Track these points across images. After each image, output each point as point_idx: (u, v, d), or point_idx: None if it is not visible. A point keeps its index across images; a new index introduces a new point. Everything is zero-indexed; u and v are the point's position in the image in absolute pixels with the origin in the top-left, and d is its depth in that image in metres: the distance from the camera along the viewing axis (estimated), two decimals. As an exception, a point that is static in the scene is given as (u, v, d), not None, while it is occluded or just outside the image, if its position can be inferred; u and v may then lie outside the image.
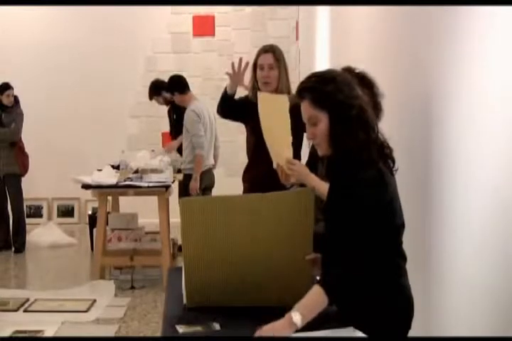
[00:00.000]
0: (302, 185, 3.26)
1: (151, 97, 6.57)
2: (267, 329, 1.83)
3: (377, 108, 2.58)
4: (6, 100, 6.74)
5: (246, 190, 3.63)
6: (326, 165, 2.13)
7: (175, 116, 6.35)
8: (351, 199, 1.94)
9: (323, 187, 2.56)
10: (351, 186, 1.94)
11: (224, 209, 2.07)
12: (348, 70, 2.65)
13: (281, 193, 2.15)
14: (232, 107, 3.64)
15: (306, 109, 2.02)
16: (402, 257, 2.07)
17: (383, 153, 2.01)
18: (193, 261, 2.09)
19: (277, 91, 3.41)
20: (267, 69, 3.44)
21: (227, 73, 3.57)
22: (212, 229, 2.05)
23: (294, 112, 3.15)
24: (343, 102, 1.96)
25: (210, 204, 2.10)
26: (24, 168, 6.87)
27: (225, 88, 3.62)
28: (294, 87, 3.58)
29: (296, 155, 3.26)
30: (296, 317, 1.83)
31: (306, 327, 1.92)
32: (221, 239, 2.06)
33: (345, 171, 1.98)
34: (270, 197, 2.10)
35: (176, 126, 6.20)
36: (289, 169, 2.58)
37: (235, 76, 3.52)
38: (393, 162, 2.05)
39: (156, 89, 6.45)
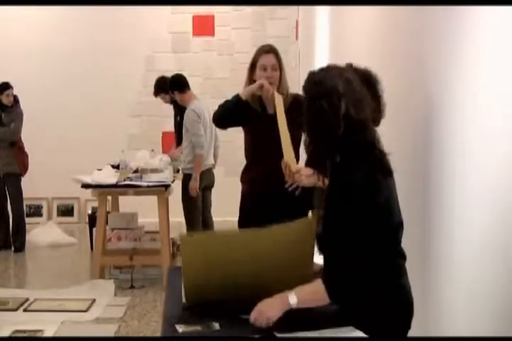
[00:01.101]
0: (304, 189, 3.27)
1: (156, 94, 6.50)
2: (261, 308, 1.92)
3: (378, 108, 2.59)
4: (6, 100, 6.74)
5: (244, 191, 3.63)
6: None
7: (179, 118, 6.29)
8: (347, 201, 1.94)
9: None
10: (346, 188, 1.95)
11: (224, 245, 2.06)
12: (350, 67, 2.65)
13: (281, 227, 2.10)
14: (236, 114, 3.50)
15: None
16: (402, 256, 2.07)
17: (377, 157, 2.01)
18: (192, 288, 2.10)
19: (278, 91, 3.41)
20: (271, 70, 3.42)
21: (263, 84, 3.37)
22: (212, 263, 2.05)
23: (293, 108, 3.17)
24: (334, 104, 1.97)
25: (210, 240, 2.10)
26: (24, 168, 6.87)
27: (237, 96, 3.45)
28: (292, 87, 3.62)
29: (295, 151, 3.28)
30: (294, 300, 1.91)
31: (307, 327, 1.93)
32: (221, 271, 2.06)
33: (341, 173, 1.99)
34: (270, 232, 2.08)
35: (181, 126, 6.14)
36: (298, 177, 2.74)
37: (259, 91, 3.42)
38: (387, 164, 2.04)
39: (162, 86, 6.34)
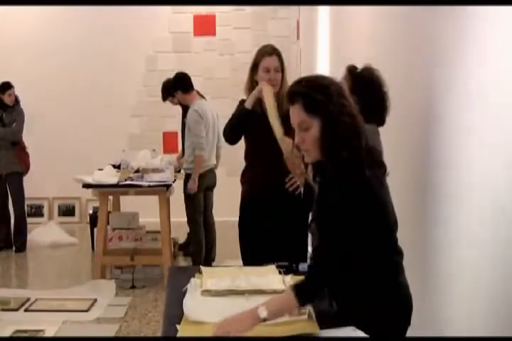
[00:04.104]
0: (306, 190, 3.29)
1: (164, 98, 6.41)
2: (229, 321, 1.87)
3: (378, 108, 2.61)
4: (8, 99, 6.74)
5: (244, 192, 3.64)
6: (312, 170, 2.14)
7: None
8: (341, 205, 1.93)
9: None
10: (340, 192, 1.94)
11: None
12: (350, 70, 2.67)
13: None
14: (247, 125, 3.46)
15: (298, 113, 2.01)
16: (399, 254, 2.07)
17: (372, 158, 2.01)
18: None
19: (280, 93, 3.41)
20: (274, 73, 3.41)
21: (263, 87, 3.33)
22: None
23: None
24: (334, 111, 1.96)
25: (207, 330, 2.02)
26: (26, 167, 6.88)
27: (243, 108, 3.41)
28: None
29: None
30: (264, 312, 1.87)
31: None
32: None
33: (334, 176, 1.98)
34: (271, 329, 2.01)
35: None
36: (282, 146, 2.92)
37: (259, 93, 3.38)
38: (383, 166, 2.05)
39: (169, 89, 6.23)
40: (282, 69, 3.45)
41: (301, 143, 2.03)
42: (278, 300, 1.94)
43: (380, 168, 2.03)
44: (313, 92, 1.98)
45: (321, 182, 2.10)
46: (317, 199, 2.10)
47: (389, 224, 2.02)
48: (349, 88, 2.46)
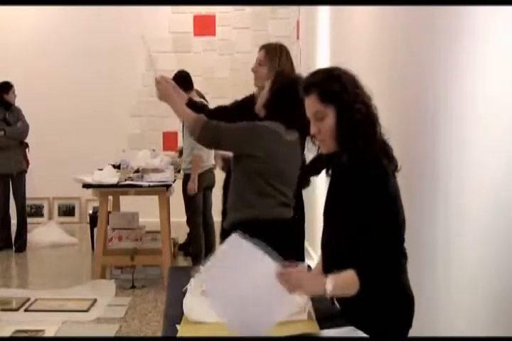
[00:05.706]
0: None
1: None
2: (297, 279, 1.83)
3: (290, 109, 2.67)
4: (12, 98, 6.77)
5: None
6: (325, 161, 2.13)
7: None
8: (360, 195, 1.93)
9: (183, 112, 3.11)
10: (358, 183, 1.94)
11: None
12: (278, 72, 2.76)
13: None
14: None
15: (313, 103, 2.03)
16: (404, 255, 2.07)
17: (385, 151, 2.02)
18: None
19: (264, 88, 3.41)
20: (256, 65, 3.48)
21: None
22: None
23: None
24: (349, 100, 1.98)
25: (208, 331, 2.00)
26: (27, 164, 6.92)
27: None
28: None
29: None
30: (329, 285, 1.85)
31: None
32: None
33: (350, 165, 1.98)
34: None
35: None
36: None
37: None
38: (395, 160, 2.05)
39: None
40: (268, 64, 3.43)
41: (317, 134, 2.05)
42: (344, 276, 1.90)
43: (392, 162, 2.03)
44: (327, 82, 2.01)
45: (334, 174, 2.09)
46: (329, 190, 2.10)
47: (398, 221, 2.00)
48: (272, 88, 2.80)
